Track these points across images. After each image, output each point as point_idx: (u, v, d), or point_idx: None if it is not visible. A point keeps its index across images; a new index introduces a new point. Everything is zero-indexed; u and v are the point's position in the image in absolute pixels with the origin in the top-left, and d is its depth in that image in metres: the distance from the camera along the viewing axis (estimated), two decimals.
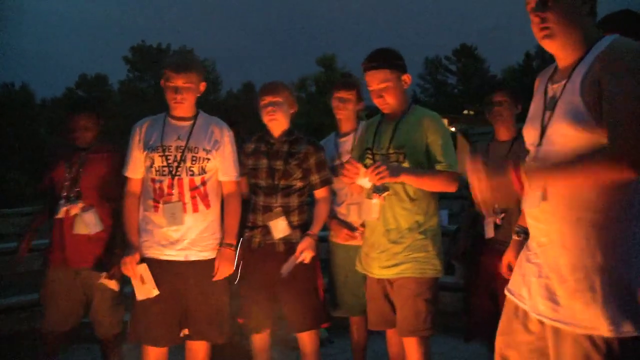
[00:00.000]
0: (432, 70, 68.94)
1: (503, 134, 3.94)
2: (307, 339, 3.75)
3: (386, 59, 3.40)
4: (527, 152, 2.28)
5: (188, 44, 58.22)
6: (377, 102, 3.44)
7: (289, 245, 3.71)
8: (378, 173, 3.14)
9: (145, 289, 3.53)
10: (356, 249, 3.76)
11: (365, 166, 3.33)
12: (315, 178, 3.81)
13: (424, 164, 3.35)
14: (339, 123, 4.21)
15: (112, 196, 3.96)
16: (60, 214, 3.95)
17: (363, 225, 3.71)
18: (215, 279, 3.63)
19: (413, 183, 3.29)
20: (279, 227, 3.69)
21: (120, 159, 3.81)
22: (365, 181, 3.27)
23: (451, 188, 3.32)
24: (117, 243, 3.94)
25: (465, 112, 54.40)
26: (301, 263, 3.63)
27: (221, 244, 3.68)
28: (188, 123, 3.68)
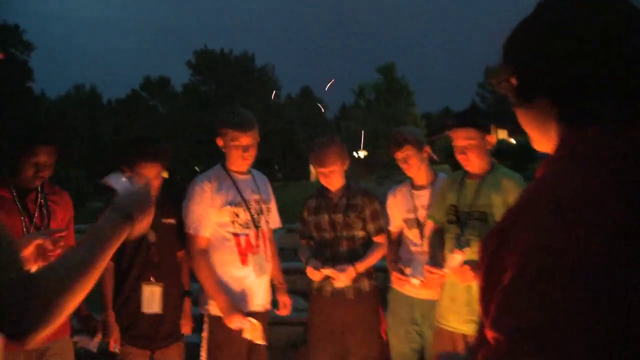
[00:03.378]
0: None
1: None
2: None
3: (472, 118, 3.45)
4: None
5: (249, 49, 58.74)
6: (459, 158, 3.46)
7: (358, 292, 3.86)
8: (463, 278, 3.24)
9: (254, 334, 3.56)
10: (420, 303, 3.82)
11: (449, 222, 3.48)
12: (370, 227, 3.94)
13: None
14: (411, 177, 4.10)
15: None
16: None
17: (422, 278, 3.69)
18: (284, 313, 3.98)
19: None
20: (342, 279, 3.78)
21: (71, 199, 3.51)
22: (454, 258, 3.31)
23: None
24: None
25: None
26: (367, 310, 3.87)
27: (281, 285, 4.01)
28: (249, 177, 3.86)
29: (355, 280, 3.81)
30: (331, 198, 3.98)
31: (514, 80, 1.19)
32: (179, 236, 3.72)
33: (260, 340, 3.58)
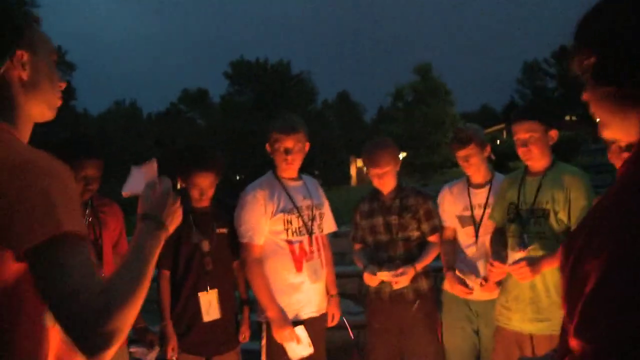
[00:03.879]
0: (530, 74, 67.07)
1: None
2: None
3: (536, 111, 3.45)
4: None
5: (285, 57, 59.12)
6: (521, 151, 3.45)
7: (417, 293, 3.85)
8: (520, 274, 3.21)
9: (301, 348, 3.56)
10: (476, 301, 3.81)
11: (510, 221, 3.47)
12: (425, 227, 3.92)
13: (565, 221, 3.33)
14: (468, 174, 4.02)
15: None
16: None
17: (486, 279, 3.69)
18: (332, 325, 3.92)
19: (555, 265, 3.23)
20: (403, 280, 3.77)
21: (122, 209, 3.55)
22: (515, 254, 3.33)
23: None
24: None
25: (567, 118, 52.39)
26: (426, 310, 3.84)
27: (331, 296, 3.92)
28: (300, 183, 3.82)
29: (414, 280, 3.80)
30: (384, 200, 3.95)
31: (591, 60, 1.10)
32: (233, 246, 3.73)
33: (306, 352, 3.57)
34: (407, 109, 43.42)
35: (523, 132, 3.39)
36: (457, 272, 3.83)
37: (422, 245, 3.92)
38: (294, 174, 3.78)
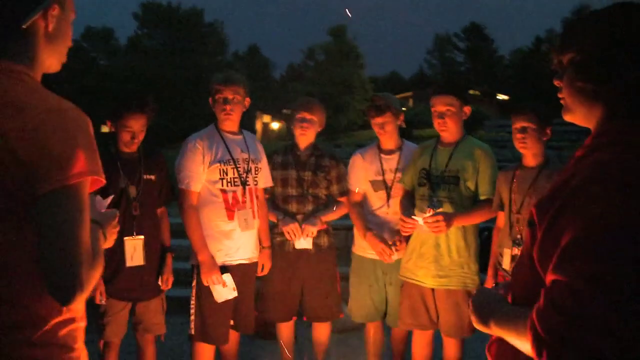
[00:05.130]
0: (441, 47, 68.50)
1: (530, 160, 3.63)
2: (323, 329, 4.29)
3: (454, 87, 3.76)
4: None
5: (198, 4, 57.40)
6: (437, 122, 3.76)
7: (318, 248, 4.14)
8: (437, 226, 3.51)
9: (226, 291, 3.78)
10: (384, 264, 4.05)
11: (420, 185, 3.81)
12: (334, 189, 4.24)
13: (472, 189, 3.72)
14: (381, 140, 4.25)
15: None
16: None
17: (401, 240, 3.95)
18: (261, 274, 4.13)
19: (465, 223, 3.68)
20: (301, 243, 4.07)
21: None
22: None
23: (491, 215, 3.77)
24: None
25: (471, 92, 54.02)
26: (325, 265, 4.20)
27: (262, 247, 4.12)
28: (240, 137, 4.02)
29: (316, 237, 4.08)
30: (299, 155, 4.20)
31: (577, 58, 1.35)
32: (159, 193, 3.87)
33: (231, 295, 3.80)
34: (317, 69, 43.51)
35: (441, 105, 3.72)
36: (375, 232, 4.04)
37: (327, 204, 4.20)
38: (234, 127, 3.97)
